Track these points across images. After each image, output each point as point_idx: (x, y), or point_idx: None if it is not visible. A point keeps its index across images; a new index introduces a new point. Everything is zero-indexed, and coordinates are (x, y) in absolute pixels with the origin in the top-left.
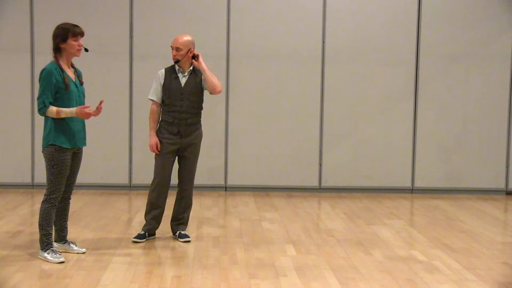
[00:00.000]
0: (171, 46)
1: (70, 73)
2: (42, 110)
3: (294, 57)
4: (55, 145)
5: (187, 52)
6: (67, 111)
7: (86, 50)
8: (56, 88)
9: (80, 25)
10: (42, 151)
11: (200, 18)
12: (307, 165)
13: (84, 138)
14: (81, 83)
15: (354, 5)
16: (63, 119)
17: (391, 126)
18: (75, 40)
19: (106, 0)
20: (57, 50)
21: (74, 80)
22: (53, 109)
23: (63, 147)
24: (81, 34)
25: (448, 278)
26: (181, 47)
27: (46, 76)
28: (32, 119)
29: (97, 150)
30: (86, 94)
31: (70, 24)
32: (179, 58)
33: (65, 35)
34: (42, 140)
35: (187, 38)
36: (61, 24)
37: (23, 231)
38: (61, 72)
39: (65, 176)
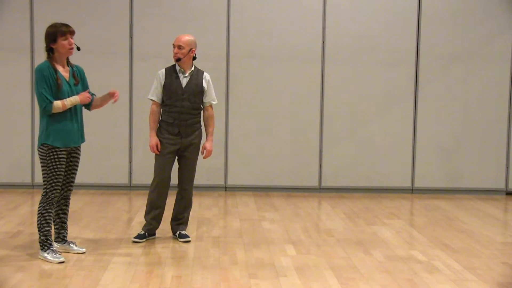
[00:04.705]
0: (173, 44)
1: (64, 72)
2: (49, 107)
3: (294, 57)
4: (47, 144)
5: (189, 52)
6: (72, 100)
7: (78, 48)
8: (50, 85)
9: (80, 25)
10: (37, 151)
11: (200, 18)
12: (307, 165)
13: (79, 138)
14: (76, 83)
15: (354, 5)
16: (56, 119)
17: (391, 126)
18: (65, 39)
19: (106, 0)
20: (50, 50)
21: (68, 80)
22: (58, 103)
23: (56, 146)
24: (70, 33)
25: (448, 278)
26: (183, 45)
27: (40, 75)
28: (32, 119)
29: (97, 150)
30: None
31: (60, 23)
32: (181, 56)
33: (54, 35)
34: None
35: (189, 37)
36: (51, 24)
37: (23, 231)
38: (54, 72)
39: (60, 175)
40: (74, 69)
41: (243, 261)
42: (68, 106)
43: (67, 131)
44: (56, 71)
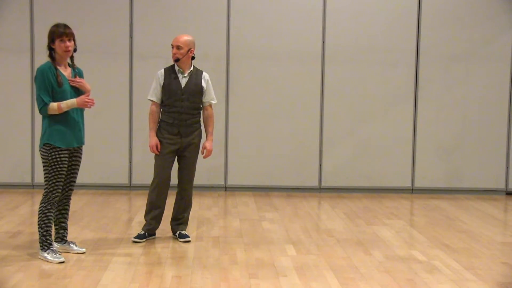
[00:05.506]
0: (172, 45)
1: (65, 72)
2: (44, 109)
3: (294, 57)
4: (50, 144)
5: (188, 52)
6: (68, 103)
7: (74, 50)
8: (51, 86)
9: (80, 25)
10: (39, 151)
11: (200, 18)
12: (307, 165)
13: (81, 138)
14: None
15: (354, 5)
16: (58, 119)
17: (391, 126)
18: (61, 41)
19: (106, 0)
20: (51, 49)
21: (69, 79)
22: (54, 105)
23: (58, 147)
24: (67, 35)
25: (448, 278)
26: (182, 45)
27: (40, 75)
28: (32, 119)
29: (97, 150)
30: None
31: (62, 24)
32: (179, 56)
33: (51, 36)
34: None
35: (188, 37)
36: (54, 24)
37: (23, 231)
38: (55, 71)
39: (61, 175)
40: (76, 71)
41: (243, 261)
42: (64, 110)
43: (69, 131)
44: (57, 69)
